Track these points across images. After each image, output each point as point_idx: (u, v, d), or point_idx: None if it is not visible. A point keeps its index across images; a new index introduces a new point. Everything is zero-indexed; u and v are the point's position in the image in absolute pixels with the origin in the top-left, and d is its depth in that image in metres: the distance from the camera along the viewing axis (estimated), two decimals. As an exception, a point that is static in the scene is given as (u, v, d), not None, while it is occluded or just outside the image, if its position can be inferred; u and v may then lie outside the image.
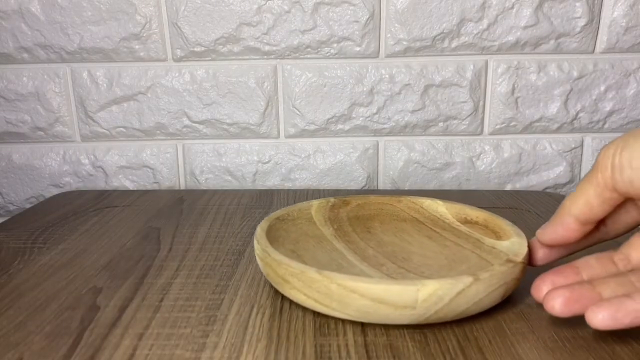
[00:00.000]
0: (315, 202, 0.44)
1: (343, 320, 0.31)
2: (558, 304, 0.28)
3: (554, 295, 0.28)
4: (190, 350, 0.28)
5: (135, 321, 0.31)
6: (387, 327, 0.31)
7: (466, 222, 0.41)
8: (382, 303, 0.28)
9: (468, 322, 0.31)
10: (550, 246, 0.33)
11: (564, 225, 0.30)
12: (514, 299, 0.34)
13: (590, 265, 0.31)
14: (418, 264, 0.36)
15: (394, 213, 0.45)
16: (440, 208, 0.43)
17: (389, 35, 0.61)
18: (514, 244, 0.34)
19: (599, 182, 0.29)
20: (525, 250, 0.32)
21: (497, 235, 0.37)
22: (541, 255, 0.33)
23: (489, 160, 0.65)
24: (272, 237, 0.37)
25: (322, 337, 0.30)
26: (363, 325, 0.31)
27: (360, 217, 0.45)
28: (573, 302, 0.27)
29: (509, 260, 0.31)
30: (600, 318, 0.26)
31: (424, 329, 0.30)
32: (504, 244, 0.35)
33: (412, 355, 0.28)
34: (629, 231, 0.33)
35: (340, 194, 0.60)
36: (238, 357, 0.28)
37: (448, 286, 0.28)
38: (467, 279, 0.29)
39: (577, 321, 0.31)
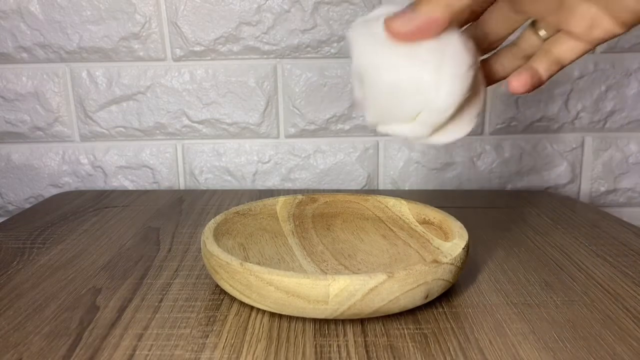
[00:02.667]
0: (282, 199, 0.45)
1: (343, 321, 0.31)
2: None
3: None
4: (190, 351, 0.28)
5: (134, 322, 0.31)
6: (387, 328, 0.30)
7: (424, 222, 0.42)
8: (296, 296, 0.29)
9: (468, 323, 0.31)
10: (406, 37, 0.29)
11: (435, 17, 0.27)
12: (513, 300, 0.34)
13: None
14: (359, 261, 0.37)
15: (359, 212, 0.46)
16: (404, 208, 0.44)
17: (389, 34, 0.61)
18: (454, 245, 0.34)
19: None
20: (457, 252, 0.32)
21: (446, 236, 0.38)
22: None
23: (490, 160, 0.65)
24: (225, 230, 0.39)
25: (322, 338, 0.29)
26: (363, 326, 0.31)
27: (325, 214, 0.46)
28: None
29: (434, 261, 0.31)
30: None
31: (425, 329, 0.30)
32: (447, 245, 0.35)
33: (412, 356, 0.28)
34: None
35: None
36: (238, 357, 0.28)
37: (360, 282, 0.29)
38: (381, 276, 0.29)
39: (577, 321, 0.31)
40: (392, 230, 0.42)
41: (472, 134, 0.64)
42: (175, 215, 0.52)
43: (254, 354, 0.28)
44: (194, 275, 0.38)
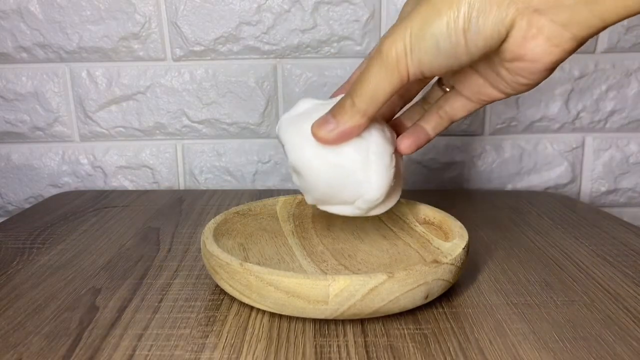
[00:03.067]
0: (282, 199, 0.45)
1: (343, 321, 0.31)
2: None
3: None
4: (190, 351, 0.28)
5: (134, 322, 0.31)
6: (387, 328, 0.30)
7: (424, 222, 0.41)
8: (296, 297, 0.29)
9: (468, 323, 0.31)
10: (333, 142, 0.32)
11: (355, 126, 0.31)
12: (513, 300, 0.34)
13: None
14: (359, 261, 0.37)
15: None
16: (403, 208, 0.44)
17: (389, 34, 0.61)
18: (454, 245, 0.34)
19: (390, 74, 0.29)
20: (457, 252, 0.32)
21: (446, 237, 0.38)
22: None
23: (490, 160, 0.65)
24: (225, 230, 0.39)
25: (322, 338, 0.29)
26: (363, 326, 0.31)
27: (325, 214, 0.45)
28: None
29: (434, 261, 0.31)
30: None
31: (425, 329, 0.30)
32: (447, 245, 0.35)
33: (412, 356, 0.28)
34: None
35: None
36: (238, 357, 0.28)
37: (360, 282, 0.29)
38: (381, 276, 0.29)
39: (577, 321, 0.31)
40: (392, 230, 0.42)
41: (472, 133, 0.64)
42: (175, 215, 0.52)
43: (254, 354, 0.28)
44: (194, 275, 0.38)
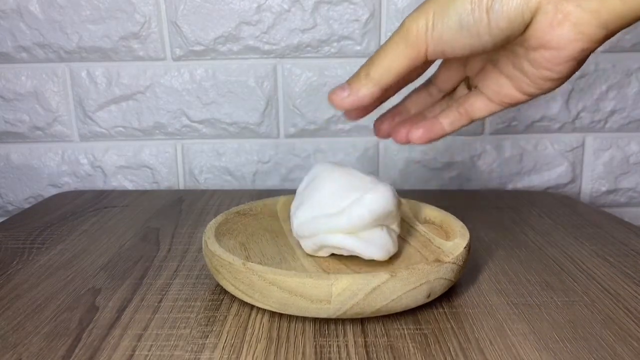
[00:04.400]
0: (282, 198, 0.45)
1: (343, 321, 0.31)
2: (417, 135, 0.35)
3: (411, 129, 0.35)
4: (190, 351, 0.28)
5: (134, 322, 0.31)
6: (387, 328, 0.30)
7: (425, 221, 0.41)
8: (299, 296, 0.29)
9: (469, 323, 0.31)
10: (350, 110, 0.34)
11: (368, 94, 0.31)
12: (513, 300, 0.34)
13: (414, 101, 0.37)
14: (361, 260, 0.37)
15: None
16: (404, 207, 0.43)
17: (389, 34, 0.61)
18: (455, 244, 0.34)
19: (408, 48, 0.29)
20: (458, 251, 0.32)
21: (447, 236, 0.38)
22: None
23: (490, 160, 0.65)
24: (226, 229, 0.39)
25: (322, 338, 0.29)
26: (363, 326, 0.31)
27: None
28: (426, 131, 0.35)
29: (436, 260, 0.31)
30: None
31: (425, 329, 0.30)
32: (448, 244, 0.35)
33: (412, 356, 0.28)
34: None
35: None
36: (238, 357, 0.28)
37: (362, 282, 0.29)
38: (384, 276, 0.29)
39: (577, 321, 0.31)
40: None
41: (472, 133, 0.64)
42: (175, 215, 0.52)
43: (253, 354, 0.28)
44: (194, 275, 0.38)
